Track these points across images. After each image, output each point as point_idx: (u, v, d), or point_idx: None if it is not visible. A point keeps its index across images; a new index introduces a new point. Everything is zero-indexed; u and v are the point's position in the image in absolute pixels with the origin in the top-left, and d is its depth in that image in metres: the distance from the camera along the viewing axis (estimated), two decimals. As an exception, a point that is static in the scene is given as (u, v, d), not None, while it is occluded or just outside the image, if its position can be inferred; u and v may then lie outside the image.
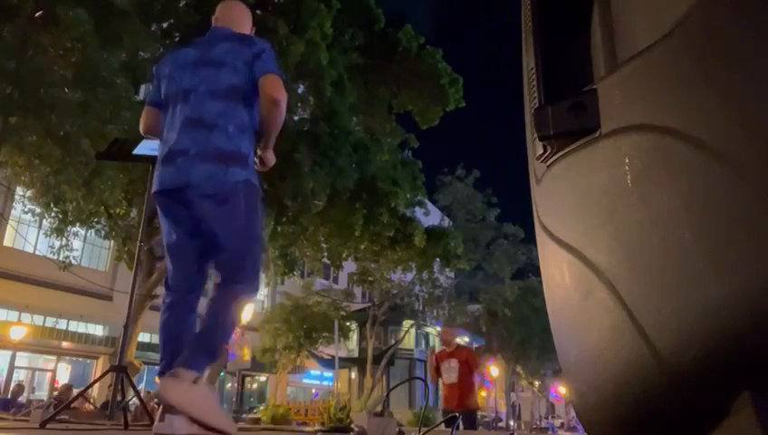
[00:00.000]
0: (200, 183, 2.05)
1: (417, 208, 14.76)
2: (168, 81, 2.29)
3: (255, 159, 2.29)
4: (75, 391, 10.68)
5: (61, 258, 10.34)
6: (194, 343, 2.03)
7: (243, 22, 2.49)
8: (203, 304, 2.19)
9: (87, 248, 19.22)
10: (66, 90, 7.65)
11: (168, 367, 2.03)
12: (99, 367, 19.00)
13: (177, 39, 10.59)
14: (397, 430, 2.42)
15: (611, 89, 0.97)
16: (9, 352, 17.24)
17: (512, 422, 31.95)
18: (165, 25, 10.61)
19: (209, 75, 2.19)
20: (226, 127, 2.11)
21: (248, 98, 2.19)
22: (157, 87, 2.37)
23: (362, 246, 13.21)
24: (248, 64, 2.19)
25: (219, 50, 2.25)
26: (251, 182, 2.13)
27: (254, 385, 26.33)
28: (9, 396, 12.59)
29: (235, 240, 2.09)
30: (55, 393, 13.24)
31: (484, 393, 36.13)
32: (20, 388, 12.62)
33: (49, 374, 19.08)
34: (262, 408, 15.04)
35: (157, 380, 2.08)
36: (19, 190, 11.35)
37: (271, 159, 2.35)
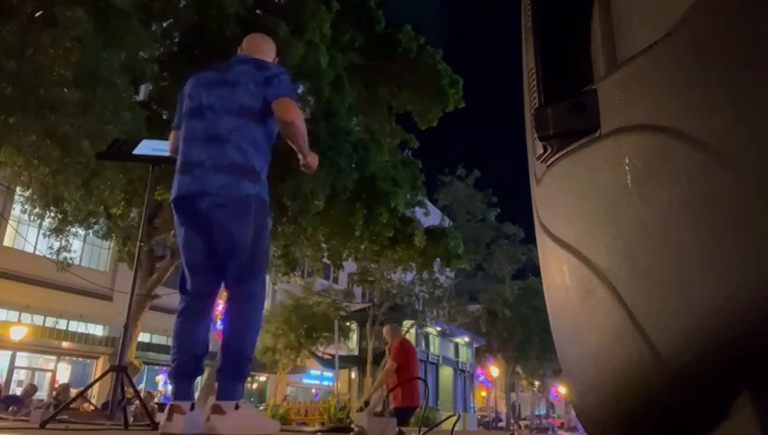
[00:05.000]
0: (214, 192, 2.18)
1: (417, 208, 14.75)
2: (187, 99, 2.43)
3: (302, 165, 2.46)
4: (74, 391, 10.68)
5: (59, 259, 10.33)
6: (221, 373, 2.15)
7: (264, 49, 2.62)
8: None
9: (87, 248, 19.21)
10: (66, 90, 7.64)
11: (185, 369, 2.21)
12: (99, 367, 18.99)
13: (176, 39, 10.60)
14: (397, 430, 2.42)
15: (611, 89, 0.97)
16: (9, 352, 17.23)
17: (512, 422, 31.94)
18: (165, 25, 10.60)
19: (225, 94, 2.32)
20: (239, 142, 2.23)
21: (261, 117, 2.30)
22: (179, 109, 2.48)
23: (362, 247, 13.20)
24: (260, 86, 2.30)
25: (236, 71, 2.38)
26: (261, 197, 2.26)
27: (254, 385, 26.32)
28: (18, 394, 12.55)
29: (243, 249, 2.21)
30: (54, 393, 13.22)
31: (484, 393, 36.15)
32: (33, 388, 12.56)
33: (49, 374, 19.07)
34: (262, 408, 15.03)
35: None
36: (19, 190, 11.35)
37: (313, 162, 2.47)
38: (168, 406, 2.13)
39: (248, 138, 2.26)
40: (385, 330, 6.65)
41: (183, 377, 2.24)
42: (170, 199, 2.32)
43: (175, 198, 2.28)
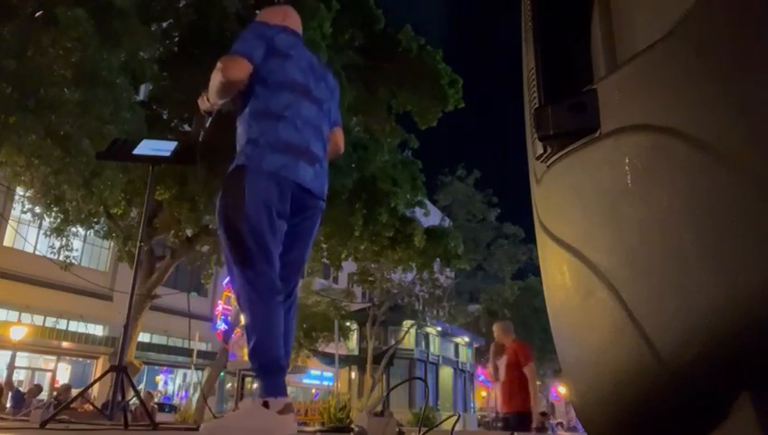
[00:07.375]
0: (323, 199, 2.26)
1: (417, 209, 14.74)
2: (293, 64, 2.20)
3: None
4: (74, 391, 10.68)
5: (61, 258, 10.33)
6: (282, 372, 2.18)
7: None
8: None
9: (87, 248, 19.22)
10: (66, 90, 7.64)
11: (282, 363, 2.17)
12: (99, 367, 19.00)
13: (176, 39, 10.59)
14: (397, 430, 2.42)
15: (611, 89, 0.97)
16: (9, 352, 17.23)
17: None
18: (165, 25, 10.60)
19: (327, 99, 2.34)
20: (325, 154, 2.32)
21: None
22: (259, 47, 2.12)
23: (362, 247, 13.19)
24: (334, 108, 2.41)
25: (331, 82, 2.40)
26: None
27: (255, 385, 26.33)
28: (22, 390, 12.58)
29: (307, 252, 2.32)
30: (54, 393, 13.24)
31: (484, 393, 36.14)
32: (37, 388, 12.59)
33: (49, 374, 19.08)
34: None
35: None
36: (19, 190, 11.35)
37: None
38: (285, 404, 2.05)
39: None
40: (500, 327, 6.20)
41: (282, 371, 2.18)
42: (277, 172, 2.03)
43: (295, 182, 2.07)
